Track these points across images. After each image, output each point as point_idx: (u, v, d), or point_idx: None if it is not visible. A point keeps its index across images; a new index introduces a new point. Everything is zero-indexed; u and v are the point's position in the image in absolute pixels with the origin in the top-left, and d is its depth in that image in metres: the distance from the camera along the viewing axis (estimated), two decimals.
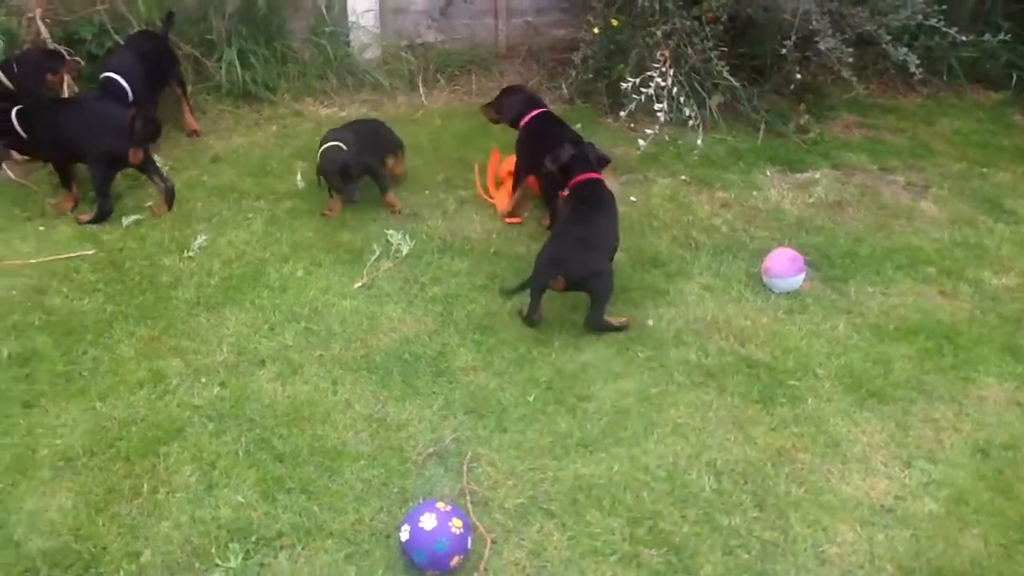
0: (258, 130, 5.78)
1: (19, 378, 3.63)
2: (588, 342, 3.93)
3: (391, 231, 4.58)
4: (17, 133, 4.69)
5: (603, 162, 4.40)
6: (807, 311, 4.23)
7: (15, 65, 5.07)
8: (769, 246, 4.62)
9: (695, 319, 4.14)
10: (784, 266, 4.37)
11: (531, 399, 3.59)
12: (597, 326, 3.97)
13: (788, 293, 4.33)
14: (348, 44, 6.35)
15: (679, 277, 4.45)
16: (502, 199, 4.91)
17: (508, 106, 4.84)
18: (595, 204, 4.17)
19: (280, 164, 5.33)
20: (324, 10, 6.20)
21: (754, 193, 5.27)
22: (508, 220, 4.81)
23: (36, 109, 4.78)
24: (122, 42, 5.58)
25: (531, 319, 4.00)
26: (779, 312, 4.21)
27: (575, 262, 3.95)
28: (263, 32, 6.00)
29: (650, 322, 4.09)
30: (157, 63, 5.36)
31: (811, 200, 5.20)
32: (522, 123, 4.74)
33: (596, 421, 3.50)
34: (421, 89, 6.30)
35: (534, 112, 4.75)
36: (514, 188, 4.82)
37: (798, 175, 5.52)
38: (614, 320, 4.01)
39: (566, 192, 4.25)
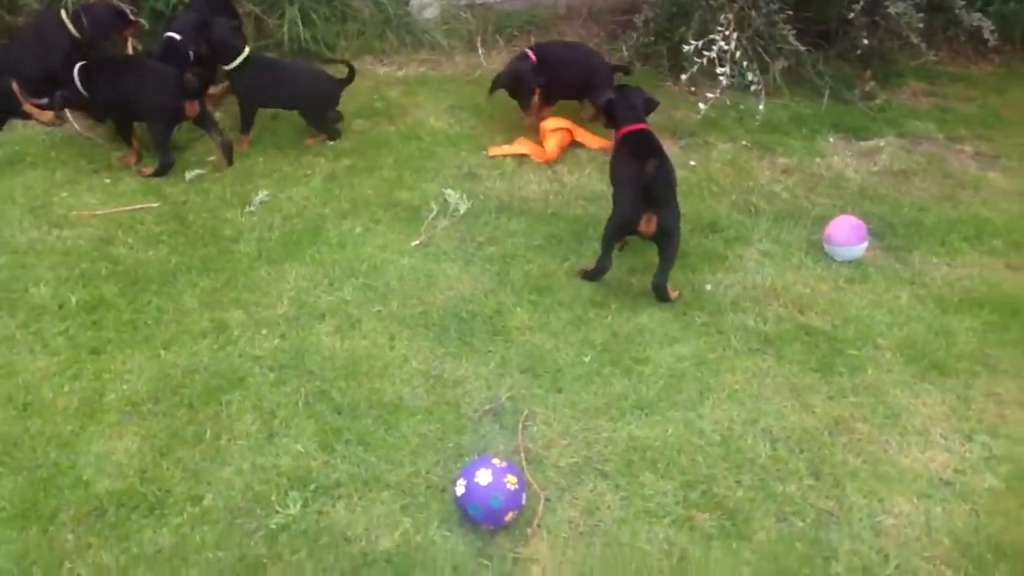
0: None
1: (87, 325, 3.72)
2: (644, 305, 3.92)
3: (449, 190, 4.59)
4: (77, 89, 4.77)
5: (651, 105, 4.34)
6: (869, 280, 4.17)
7: (83, 15, 5.13)
8: (831, 213, 4.56)
9: (754, 285, 4.10)
10: (846, 234, 4.30)
11: (587, 360, 3.60)
12: (663, 287, 3.89)
13: (850, 261, 4.27)
14: (407, 3, 6.32)
15: (738, 243, 4.40)
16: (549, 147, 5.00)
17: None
18: (658, 156, 3.96)
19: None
20: None
21: (817, 160, 5.18)
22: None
23: (96, 66, 4.85)
24: (187, 1, 5.62)
25: (603, 268, 3.96)
26: (840, 280, 4.16)
27: (670, 206, 3.86)
28: None
29: (708, 287, 4.07)
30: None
31: (875, 168, 5.10)
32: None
33: (652, 384, 3.50)
34: (480, 49, 6.27)
35: None
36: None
37: (862, 143, 5.41)
38: (672, 292, 3.96)
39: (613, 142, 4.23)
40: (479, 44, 6.30)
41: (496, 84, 5.16)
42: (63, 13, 5.14)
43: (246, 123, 5.00)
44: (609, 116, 4.30)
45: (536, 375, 3.51)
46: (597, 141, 5.09)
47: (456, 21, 6.36)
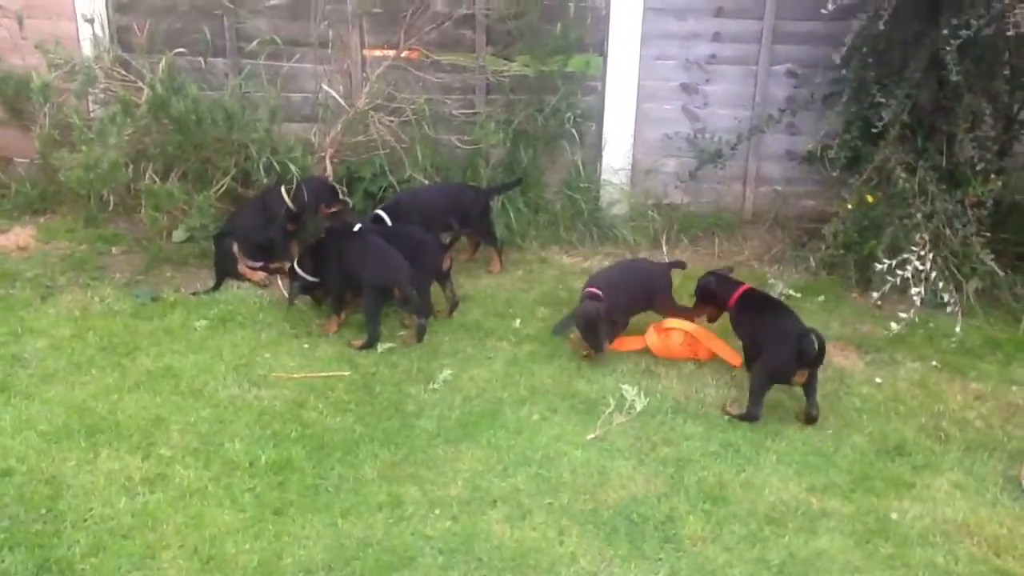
0: (505, 273, 6.07)
1: (273, 485, 3.91)
2: (824, 527, 3.76)
3: (626, 386, 4.63)
4: (299, 275, 5.27)
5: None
6: None
7: (303, 187, 5.67)
8: None
9: (943, 519, 3.87)
10: None
11: None
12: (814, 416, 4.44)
13: None
14: (598, 199, 6.62)
15: (926, 470, 4.19)
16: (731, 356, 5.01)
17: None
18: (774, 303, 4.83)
19: (523, 308, 5.56)
20: (581, 166, 6.53)
21: (1013, 388, 4.93)
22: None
23: (320, 245, 5.32)
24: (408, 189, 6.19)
25: (756, 416, 4.41)
26: None
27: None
28: (522, 183, 6.38)
29: (894, 515, 3.87)
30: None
31: None
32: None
33: None
34: (664, 247, 6.43)
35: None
36: None
37: None
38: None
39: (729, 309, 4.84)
40: (663, 242, 6.47)
41: (564, 325, 5.03)
42: (282, 188, 5.71)
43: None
44: (711, 294, 4.93)
45: None
46: (730, 355, 5.00)
47: (643, 219, 6.58)
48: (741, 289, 4.85)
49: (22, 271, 5.84)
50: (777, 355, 4.43)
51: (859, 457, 4.24)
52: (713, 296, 4.95)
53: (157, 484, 3.87)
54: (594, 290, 4.96)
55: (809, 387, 4.44)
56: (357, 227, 5.41)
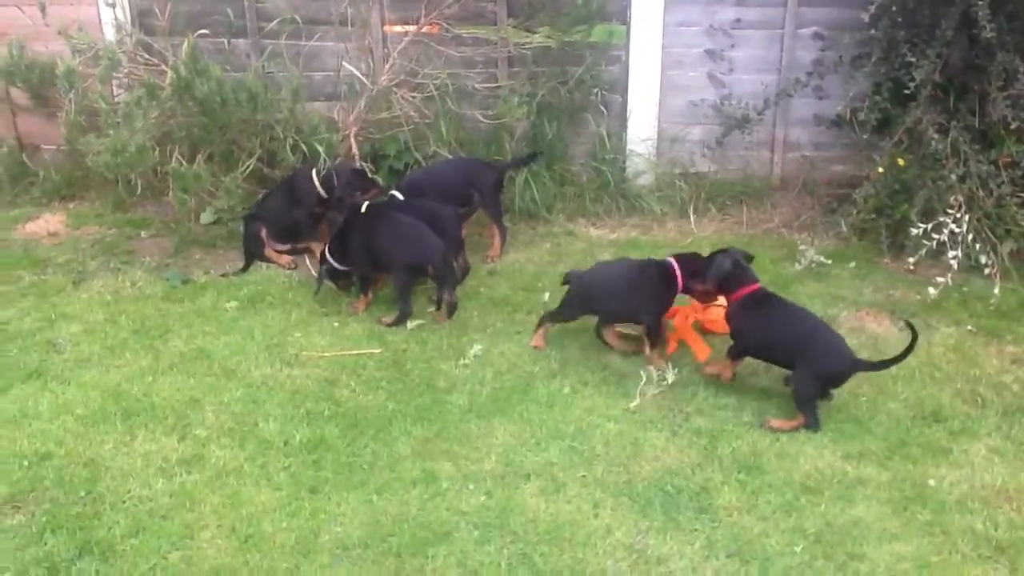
0: (533, 247, 6.06)
1: (308, 463, 3.93)
2: (861, 495, 3.73)
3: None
4: (331, 263, 5.24)
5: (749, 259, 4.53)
6: None
7: (334, 176, 5.65)
8: None
9: (982, 484, 3.82)
10: None
11: (798, 550, 3.43)
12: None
13: None
14: (624, 170, 6.57)
15: (963, 436, 4.14)
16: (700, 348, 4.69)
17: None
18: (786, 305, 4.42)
19: (551, 281, 5.53)
20: (606, 137, 6.48)
21: None
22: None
23: (347, 226, 5.29)
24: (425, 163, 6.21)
25: (816, 425, 4.14)
26: None
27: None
28: (547, 156, 6.34)
29: (931, 482, 3.82)
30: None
31: None
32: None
33: None
34: (691, 216, 6.38)
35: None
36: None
37: None
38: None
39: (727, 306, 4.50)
40: (691, 212, 6.42)
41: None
42: (313, 172, 5.70)
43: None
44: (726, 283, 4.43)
45: (744, 560, 3.38)
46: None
47: (670, 188, 6.53)
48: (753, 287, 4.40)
49: (53, 257, 5.90)
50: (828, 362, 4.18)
51: (895, 424, 4.20)
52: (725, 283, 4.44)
53: (193, 465, 3.91)
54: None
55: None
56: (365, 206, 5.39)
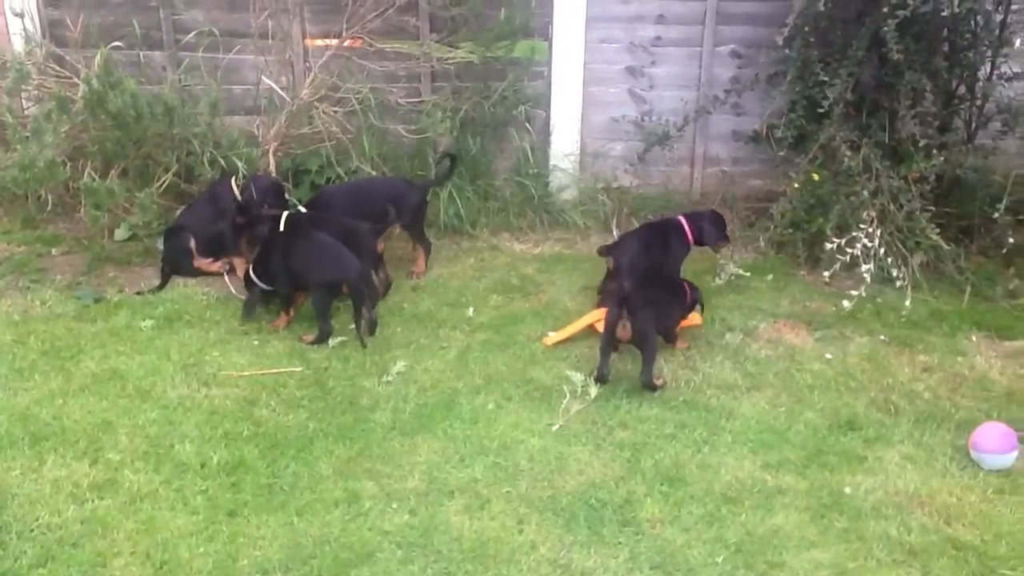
0: (457, 262, 6.04)
1: (226, 486, 3.83)
2: (780, 504, 3.79)
3: (575, 372, 4.59)
4: (254, 281, 5.14)
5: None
6: (1021, 491, 3.93)
7: (251, 184, 5.56)
8: (976, 418, 4.38)
9: (896, 491, 3.92)
10: (995, 442, 4.11)
11: (720, 560, 3.47)
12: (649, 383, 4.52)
13: (999, 470, 4.05)
14: (548, 185, 6.61)
15: (878, 443, 4.25)
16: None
17: None
18: None
19: (476, 296, 5.53)
20: (530, 152, 6.52)
21: (959, 359, 5.02)
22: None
23: (268, 246, 5.20)
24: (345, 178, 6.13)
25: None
26: (989, 491, 3.93)
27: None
28: (470, 170, 6.34)
29: (847, 489, 3.91)
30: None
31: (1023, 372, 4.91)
32: None
33: None
34: (614, 231, 6.44)
35: None
36: None
37: (1007, 343, 5.22)
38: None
39: None
40: (614, 226, 6.48)
41: None
42: (232, 181, 5.62)
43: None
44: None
45: (667, 572, 3.41)
46: None
47: (593, 203, 6.59)
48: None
49: None
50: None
51: (812, 433, 4.29)
52: None
53: (106, 490, 3.78)
54: None
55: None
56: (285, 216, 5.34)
